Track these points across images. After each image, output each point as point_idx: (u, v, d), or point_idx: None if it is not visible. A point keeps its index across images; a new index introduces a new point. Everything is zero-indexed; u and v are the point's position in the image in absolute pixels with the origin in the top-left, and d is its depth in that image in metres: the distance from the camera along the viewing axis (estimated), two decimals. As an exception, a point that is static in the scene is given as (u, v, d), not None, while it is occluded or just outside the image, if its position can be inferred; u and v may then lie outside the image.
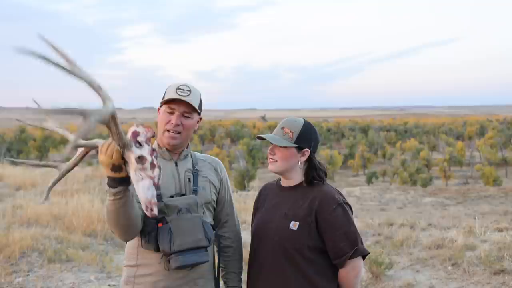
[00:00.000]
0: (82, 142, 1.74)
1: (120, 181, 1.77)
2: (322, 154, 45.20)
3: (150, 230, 2.02)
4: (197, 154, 2.29)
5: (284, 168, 2.16)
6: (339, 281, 2.12)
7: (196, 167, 2.19)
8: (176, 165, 2.17)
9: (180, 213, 2.02)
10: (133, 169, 1.69)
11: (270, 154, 2.17)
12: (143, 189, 1.66)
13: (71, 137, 1.74)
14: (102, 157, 1.72)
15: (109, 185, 1.79)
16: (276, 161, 2.15)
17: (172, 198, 2.06)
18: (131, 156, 1.69)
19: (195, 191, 2.12)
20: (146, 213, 1.66)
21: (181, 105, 2.10)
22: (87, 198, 9.10)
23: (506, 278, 5.02)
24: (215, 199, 2.24)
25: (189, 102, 2.09)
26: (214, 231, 2.13)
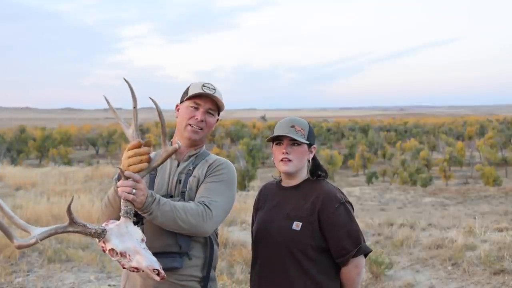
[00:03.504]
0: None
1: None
2: (322, 154, 45.19)
3: None
4: (212, 155, 2.20)
5: (299, 167, 2.16)
6: (342, 279, 2.13)
7: (191, 167, 2.13)
8: (178, 165, 2.15)
9: None
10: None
11: (286, 154, 2.12)
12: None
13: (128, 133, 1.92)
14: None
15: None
16: (291, 160, 2.13)
17: None
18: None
19: (183, 193, 2.07)
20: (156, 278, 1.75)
21: (207, 102, 2.11)
22: (87, 198, 9.10)
23: (506, 278, 5.02)
24: None
25: (217, 98, 2.11)
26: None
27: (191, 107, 2.11)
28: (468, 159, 52.24)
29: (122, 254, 1.74)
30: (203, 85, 2.12)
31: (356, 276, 2.10)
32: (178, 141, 1.92)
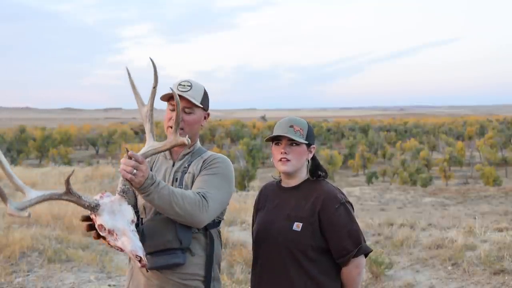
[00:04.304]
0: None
1: None
2: (322, 154, 45.18)
3: None
4: (208, 152, 2.20)
5: (298, 167, 2.16)
6: (343, 279, 2.13)
7: (186, 165, 2.14)
8: (173, 165, 2.16)
9: (154, 214, 2.03)
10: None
11: (284, 154, 2.13)
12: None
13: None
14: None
15: None
16: (290, 160, 2.13)
17: None
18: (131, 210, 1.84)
19: None
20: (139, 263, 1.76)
21: (181, 101, 2.09)
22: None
23: (506, 278, 5.02)
24: None
25: (187, 97, 2.09)
26: (201, 230, 2.04)
27: (169, 109, 2.13)
28: (468, 159, 52.24)
29: (110, 232, 1.76)
30: (179, 84, 2.13)
31: (357, 276, 2.11)
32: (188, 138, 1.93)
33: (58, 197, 1.76)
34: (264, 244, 2.17)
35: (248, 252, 5.60)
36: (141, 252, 1.73)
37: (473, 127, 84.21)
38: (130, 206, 1.83)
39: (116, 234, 1.75)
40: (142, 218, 2.08)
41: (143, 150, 1.90)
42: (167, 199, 1.84)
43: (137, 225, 2.04)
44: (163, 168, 2.16)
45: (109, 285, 5.08)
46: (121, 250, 1.77)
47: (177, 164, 2.15)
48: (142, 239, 1.97)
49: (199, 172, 2.09)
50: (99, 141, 66.16)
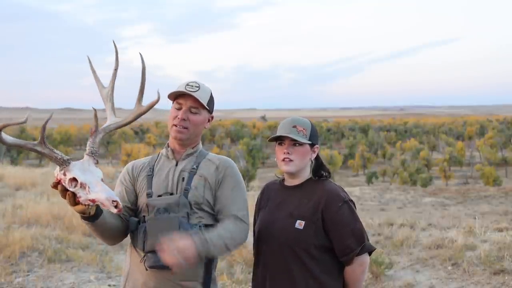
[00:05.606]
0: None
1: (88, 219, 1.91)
2: (322, 154, 45.15)
3: (133, 229, 2.04)
4: (211, 154, 2.20)
5: (301, 167, 2.16)
6: (346, 278, 2.13)
7: (195, 166, 2.12)
8: (177, 164, 2.14)
9: (157, 213, 2.01)
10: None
11: (287, 154, 2.13)
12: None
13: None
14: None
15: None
16: (292, 160, 2.13)
17: (153, 198, 2.05)
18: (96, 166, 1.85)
19: (186, 191, 2.05)
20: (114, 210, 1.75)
21: (188, 100, 2.10)
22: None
23: (506, 278, 5.01)
24: (210, 199, 2.09)
25: (196, 97, 2.09)
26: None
27: (175, 108, 2.13)
28: (468, 159, 52.28)
29: (82, 185, 1.75)
30: (187, 84, 2.12)
31: (361, 274, 2.10)
32: (158, 92, 1.97)
33: (31, 146, 1.76)
34: (266, 243, 2.16)
35: (248, 252, 5.60)
36: (116, 197, 1.73)
37: (473, 127, 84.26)
38: (99, 168, 1.84)
39: (89, 187, 1.74)
40: (144, 216, 2.06)
41: (104, 126, 1.92)
42: (220, 244, 1.96)
43: (139, 223, 2.05)
44: (166, 167, 2.14)
45: (109, 285, 5.08)
46: (93, 202, 1.75)
47: (181, 164, 2.14)
48: (145, 237, 1.97)
49: (216, 181, 2.11)
50: (99, 141, 66.06)
